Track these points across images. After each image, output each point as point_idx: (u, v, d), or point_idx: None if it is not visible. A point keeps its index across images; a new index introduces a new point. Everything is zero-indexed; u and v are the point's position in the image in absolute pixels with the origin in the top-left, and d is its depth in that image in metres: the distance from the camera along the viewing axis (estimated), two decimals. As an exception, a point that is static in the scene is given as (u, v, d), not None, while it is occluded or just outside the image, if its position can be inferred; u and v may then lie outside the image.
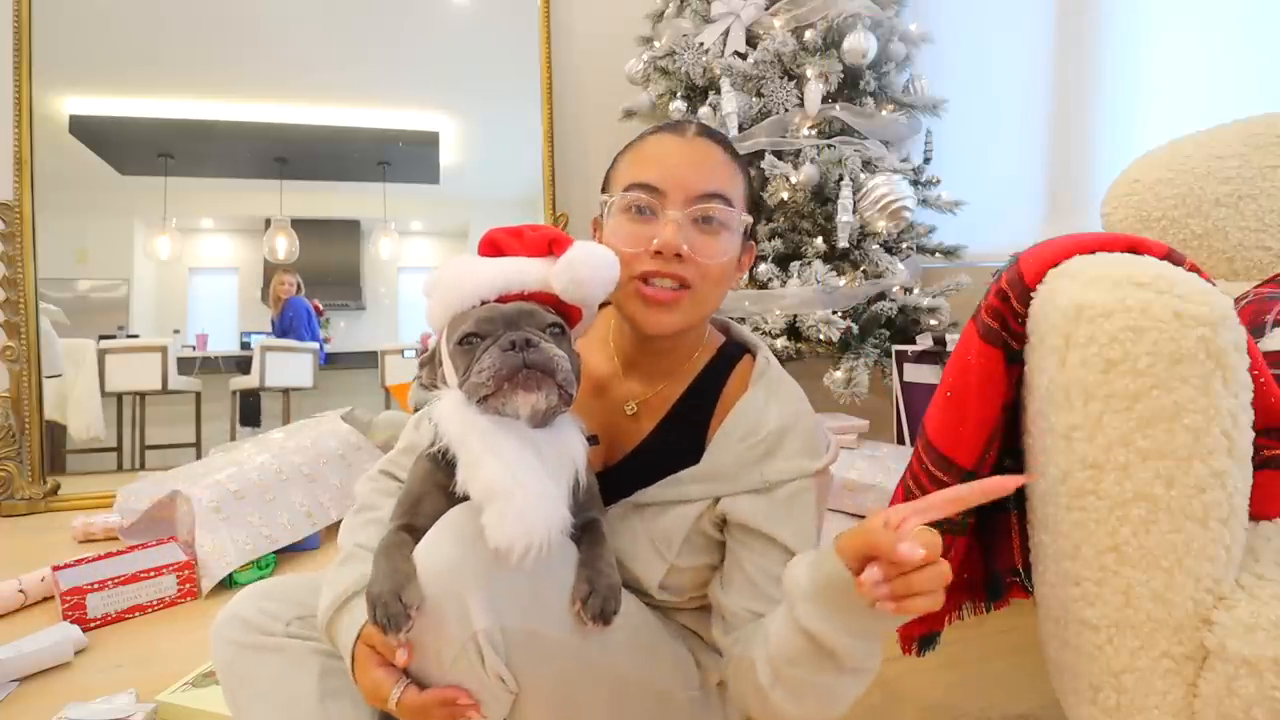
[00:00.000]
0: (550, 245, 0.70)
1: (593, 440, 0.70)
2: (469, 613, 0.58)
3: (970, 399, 0.69)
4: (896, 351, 1.68)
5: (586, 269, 0.67)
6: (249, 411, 2.53)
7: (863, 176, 1.63)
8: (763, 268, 1.69)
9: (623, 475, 0.79)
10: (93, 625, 1.29)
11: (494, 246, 0.71)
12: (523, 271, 0.68)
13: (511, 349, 0.61)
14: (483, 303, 0.67)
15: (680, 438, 0.79)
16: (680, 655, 0.78)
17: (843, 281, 1.65)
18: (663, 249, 0.72)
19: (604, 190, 0.81)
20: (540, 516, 0.58)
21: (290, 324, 2.59)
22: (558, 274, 0.67)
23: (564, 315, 0.70)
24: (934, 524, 0.74)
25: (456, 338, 0.65)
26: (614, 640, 0.66)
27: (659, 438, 0.80)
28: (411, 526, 0.66)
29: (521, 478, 0.58)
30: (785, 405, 0.77)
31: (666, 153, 0.76)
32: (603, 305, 0.89)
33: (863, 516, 1.40)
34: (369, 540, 0.71)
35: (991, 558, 0.82)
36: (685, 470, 0.76)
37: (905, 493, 0.79)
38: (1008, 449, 0.73)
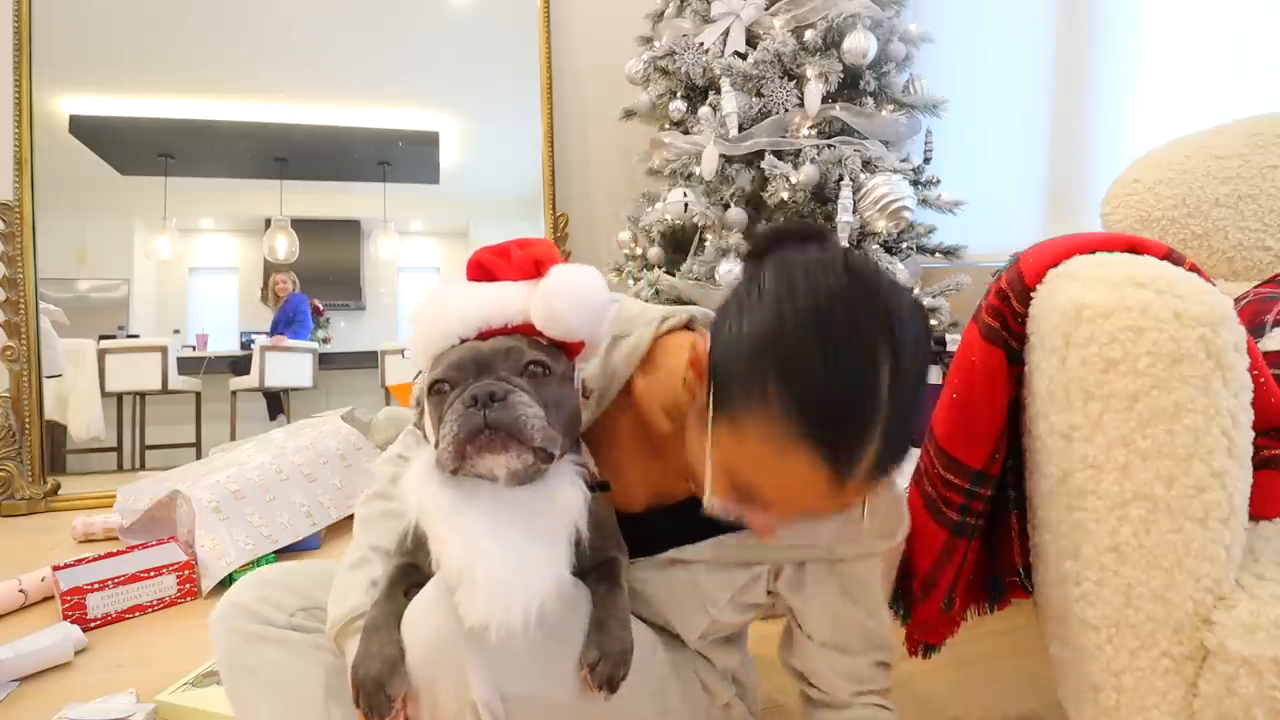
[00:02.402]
0: (537, 266, 0.63)
1: (602, 487, 0.66)
2: (467, 680, 0.56)
3: (976, 400, 0.69)
4: (897, 351, 1.67)
5: (563, 301, 0.60)
6: (273, 405, 2.56)
7: (863, 176, 1.63)
8: (763, 268, 1.69)
9: (677, 519, 0.73)
10: (93, 625, 1.29)
11: (481, 269, 0.65)
12: (505, 301, 0.62)
13: (474, 404, 0.55)
14: (462, 340, 0.61)
15: None
16: (688, 685, 0.76)
17: (843, 281, 1.64)
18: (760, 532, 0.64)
19: (729, 397, 0.58)
20: (517, 592, 0.54)
21: (294, 313, 2.59)
22: (534, 306, 0.61)
23: (561, 344, 0.64)
24: (953, 529, 0.74)
25: (427, 384, 0.60)
26: (623, 693, 0.63)
27: None
28: (413, 565, 0.64)
29: (489, 553, 0.54)
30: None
31: (807, 499, 0.56)
32: (671, 330, 0.76)
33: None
34: (383, 541, 0.69)
35: (994, 558, 0.82)
36: (740, 533, 0.70)
37: (923, 497, 0.78)
38: (1008, 449, 0.73)
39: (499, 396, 0.55)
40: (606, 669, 0.59)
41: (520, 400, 0.56)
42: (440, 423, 0.57)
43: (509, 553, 0.55)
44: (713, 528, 0.68)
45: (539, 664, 0.59)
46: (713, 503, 0.58)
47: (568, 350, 0.65)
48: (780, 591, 0.74)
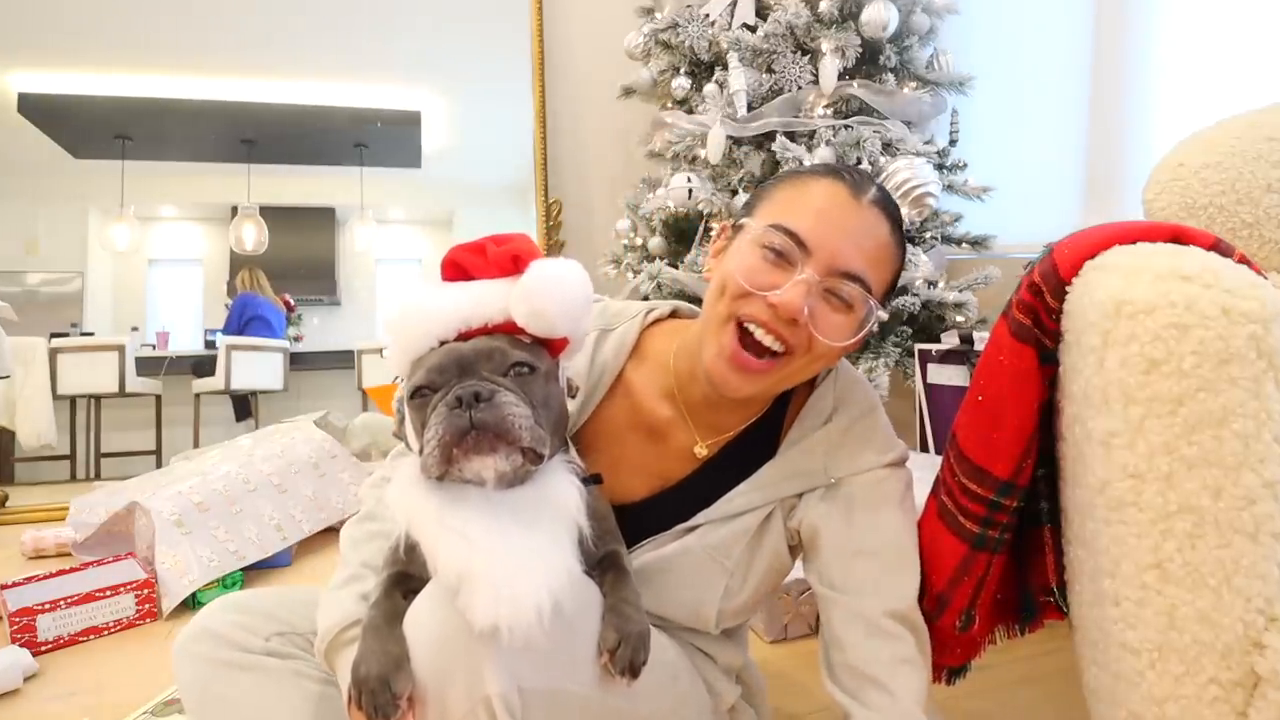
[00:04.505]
0: (515, 262, 0.65)
1: (594, 480, 0.69)
2: (481, 674, 0.57)
3: (1004, 404, 0.69)
4: (919, 351, 1.68)
5: (546, 299, 0.63)
6: (240, 409, 2.55)
7: (883, 160, 1.63)
8: (774, 259, 1.70)
9: (681, 497, 0.80)
10: (44, 649, 1.29)
11: (457, 268, 0.67)
12: (483, 302, 0.64)
13: (459, 406, 0.57)
14: (442, 343, 0.63)
15: (747, 456, 0.81)
16: (695, 685, 0.79)
17: (861, 274, 1.65)
18: (780, 307, 0.69)
19: (749, 208, 0.78)
20: (525, 587, 0.55)
21: (243, 318, 2.57)
22: (515, 305, 0.64)
23: (544, 342, 0.66)
24: (973, 543, 0.75)
25: (408, 391, 0.62)
26: (637, 686, 0.65)
27: (723, 460, 0.81)
28: (406, 574, 0.65)
29: (489, 549, 0.56)
30: (852, 402, 0.80)
31: (832, 209, 0.72)
32: (656, 321, 0.86)
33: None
34: (373, 558, 0.71)
35: (1024, 575, 0.82)
36: (743, 482, 0.78)
37: (938, 507, 0.79)
38: (1041, 457, 0.73)
39: (484, 396, 0.57)
40: (627, 653, 0.61)
41: (506, 400, 0.58)
42: (424, 428, 0.59)
43: (511, 547, 0.57)
44: (713, 496, 0.78)
45: (555, 655, 0.60)
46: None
47: (551, 348, 0.67)
48: (789, 527, 0.79)
